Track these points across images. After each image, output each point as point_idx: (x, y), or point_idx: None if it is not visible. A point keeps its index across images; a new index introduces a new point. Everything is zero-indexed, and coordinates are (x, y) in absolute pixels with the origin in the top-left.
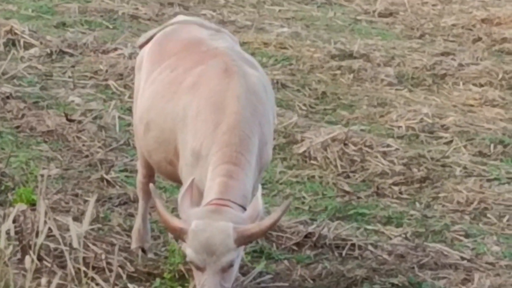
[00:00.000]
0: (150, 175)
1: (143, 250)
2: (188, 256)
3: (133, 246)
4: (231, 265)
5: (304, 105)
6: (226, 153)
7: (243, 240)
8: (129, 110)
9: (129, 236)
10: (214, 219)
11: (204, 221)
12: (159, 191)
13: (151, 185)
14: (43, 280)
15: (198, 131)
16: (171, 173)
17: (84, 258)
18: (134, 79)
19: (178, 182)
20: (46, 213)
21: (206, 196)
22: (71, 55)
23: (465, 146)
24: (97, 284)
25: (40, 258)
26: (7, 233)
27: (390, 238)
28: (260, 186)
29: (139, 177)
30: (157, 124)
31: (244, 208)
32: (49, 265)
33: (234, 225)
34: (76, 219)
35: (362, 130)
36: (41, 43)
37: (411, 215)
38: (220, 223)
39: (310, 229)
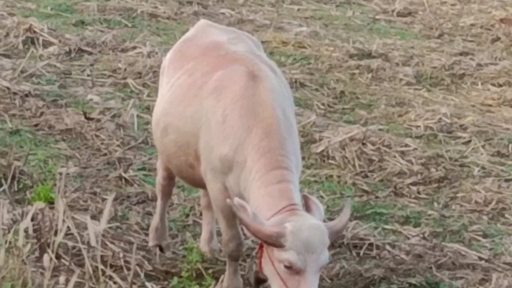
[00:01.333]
0: (170, 178)
1: (161, 248)
2: (287, 260)
3: (151, 244)
4: (326, 263)
5: (323, 104)
6: (271, 159)
7: (334, 236)
8: (148, 109)
9: (147, 234)
10: (305, 219)
11: (298, 222)
12: (177, 190)
13: (228, 201)
14: (61, 278)
15: (228, 137)
16: (191, 176)
17: (102, 257)
18: (152, 77)
19: (197, 185)
20: (64, 212)
21: (268, 203)
22: (90, 53)
23: (483, 146)
24: (115, 283)
25: (58, 256)
26: (26, 231)
27: (408, 238)
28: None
29: (159, 178)
30: (176, 128)
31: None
32: (67, 263)
33: (323, 224)
34: (94, 217)
35: (380, 129)
36: (60, 41)
37: (429, 215)
38: (312, 221)
39: None
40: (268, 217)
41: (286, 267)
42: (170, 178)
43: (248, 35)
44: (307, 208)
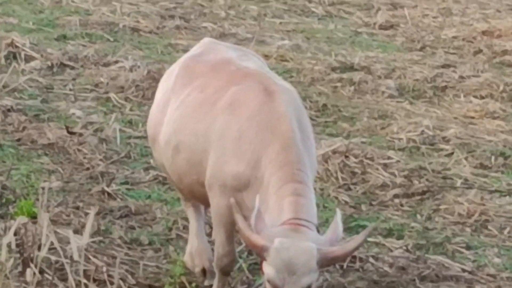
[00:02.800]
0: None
1: (204, 272)
2: (267, 274)
3: (197, 270)
4: (309, 287)
5: None
6: (288, 172)
7: (325, 262)
8: (130, 123)
9: (130, 248)
10: (297, 238)
11: (288, 240)
12: (159, 204)
13: (231, 200)
14: None
15: (245, 154)
16: (204, 195)
17: (85, 271)
18: (134, 91)
19: (209, 204)
20: (47, 226)
21: (276, 216)
22: (72, 68)
23: (466, 158)
24: None
25: (41, 271)
26: (8, 246)
27: (391, 250)
28: (338, 210)
29: (182, 201)
30: (187, 145)
31: (315, 225)
32: (50, 278)
33: (318, 247)
34: (77, 231)
35: (363, 142)
36: (42, 56)
37: (412, 227)
38: (304, 243)
39: None
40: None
41: (267, 279)
42: (189, 199)
43: (253, 53)
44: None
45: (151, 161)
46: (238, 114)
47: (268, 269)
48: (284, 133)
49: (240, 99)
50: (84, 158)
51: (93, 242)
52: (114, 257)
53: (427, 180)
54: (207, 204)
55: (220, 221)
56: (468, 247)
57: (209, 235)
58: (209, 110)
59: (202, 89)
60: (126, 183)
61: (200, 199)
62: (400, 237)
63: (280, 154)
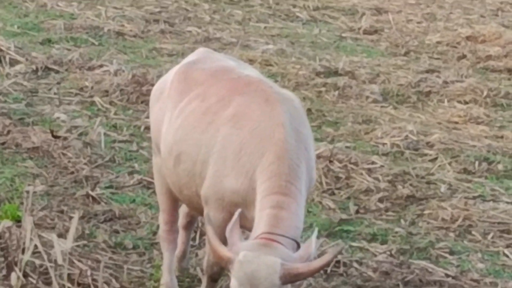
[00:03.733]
0: (172, 221)
1: None
2: (231, 287)
3: None
4: None
5: None
6: (275, 183)
7: (289, 278)
8: (114, 127)
9: (114, 252)
10: (263, 252)
11: (252, 253)
12: (144, 208)
13: (205, 212)
14: None
15: (244, 166)
16: (203, 208)
17: (69, 275)
18: (119, 95)
19: None
20: (31, 230)
21: (255, 227)
22: (57, 71)
23: (450, 163)
24: None
25: (25, 275)
26: None
27: (375, 255)
28: (316, 229)
29: (162, 226)
30: (189, 156)
31: (296, 241)
32: (34, 281)
33: (282, 262)
34: (61, 235)
35: (347, 147)
36: (26, 59)
37: (396, 232)
38: (268, 257)
39: None
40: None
41: None
42: (172, 222)
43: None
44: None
45: (136, 165)
46: (240, 127)
47: (232, 282)
48: (280, 142)
49: (243, 110)
50: (69, 162)
51: (77, 246)
52: (98, 261)
53: (411, 185)
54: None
55: (215, 233)
56: (451, 252)
57: (193, 239)
58: (212, 120)
59: (204, 98)
60: (111, 187)
61: (198, 210)
62: (384, 242)
63: (273, 163)
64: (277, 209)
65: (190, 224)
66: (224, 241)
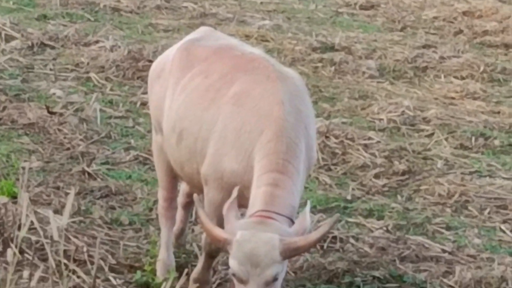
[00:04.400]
0: (172, 198)
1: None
2: (231, 268)
3: (161, 278)
4: (275, 279)
5: None
6: (272, 161)
7: (289, 252)
8: (110, 103)
9: (110, 228)
10: (260, 230)
11: (249, 231)
12: (140, 184)
13: (195, 195)
14: (25, 273)
15: (244, 144)
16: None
17: (65, 251)
18: (115, 71)
19: None
20: (27, 206)
21: (251, 205)
22: (53, 47)
23: (446, 139)
24: (78, 277)
25: (21, 251)
26: None
27: (372, 231)
28: (309, 202)
29: (160, 202)
30: (191, 133)
31: (291, 219)
32: (30, 258)
33: (280, 237)
34: (57, 211)
35: (343, 122)
36: (22, 35)
37: (393, 208)
38: (266, 234)
39: None
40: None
41: (232, 273)
42: (171, 199)
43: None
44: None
45: (132, 141)
46: (242, 105)
47: (231, 262)
48: (279, 120)
49: (245, 89)
50: (65, 138)
51: (73, 222)
52: (95, 237)
53: (407, 160)
54: None
55: (213, 211)
56: (448, 228)
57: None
58: (215, 97)
59: (207, 75)
60: (107, 163)
61: (199, 189)
62: (380, 218)
63: (270, 141)
64: (273, 187)
65: (190, 204)
66: (221, 217)
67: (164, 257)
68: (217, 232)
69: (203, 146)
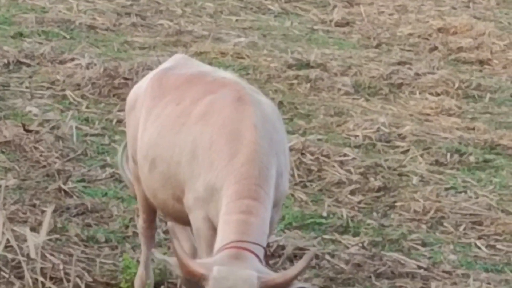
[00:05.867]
0: (150, 220)
1: None
2: None
3: None
4: None
5: None
6: (245, 186)
7: None
8: (86, 120)
9: (86, 246)
10: (237, 266)
11: (226, 268)
12: (116, 201)
13: (169, 224)
14: None
15: (213, 163)
16: (178, 212)
17: (41, 269)
18: (91, 89)
19: (183, 222)
20: (3, 224)
21: (222, 232)
22: (28, 65)
23: (421, 155)
24: None
25: None
26: None
27: (347, 247)
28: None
29: (140, 222)
30: (163, 159)
31: (263, 247)
32: (6, 275)
33: (258, 275)
34: (33, 229)
35: (319, 139)
36: None
37: (368, 224)
38: (244, 271)
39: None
40: (218, 249)
41: None
42: (150, 221)
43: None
44: None
45: (108, 158)
46: (211, 124)
47: None
48: (249, 144)
49: (214, 107)
50: (41, 155)
51: (50, 240)
52: (71, 255)
53: (383, 177)
54: (180, 222)
55: (199, 235)
56: (423, 244)
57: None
58: (185, 121)
59: (179, 102)
60: (83, 180)
61: (172, 216)
62: (356, 234)
63: (243, 166)
64: (246, 215)
65: None
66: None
67: (142, 274)
68: (194, 266)
69: (177, 171)
